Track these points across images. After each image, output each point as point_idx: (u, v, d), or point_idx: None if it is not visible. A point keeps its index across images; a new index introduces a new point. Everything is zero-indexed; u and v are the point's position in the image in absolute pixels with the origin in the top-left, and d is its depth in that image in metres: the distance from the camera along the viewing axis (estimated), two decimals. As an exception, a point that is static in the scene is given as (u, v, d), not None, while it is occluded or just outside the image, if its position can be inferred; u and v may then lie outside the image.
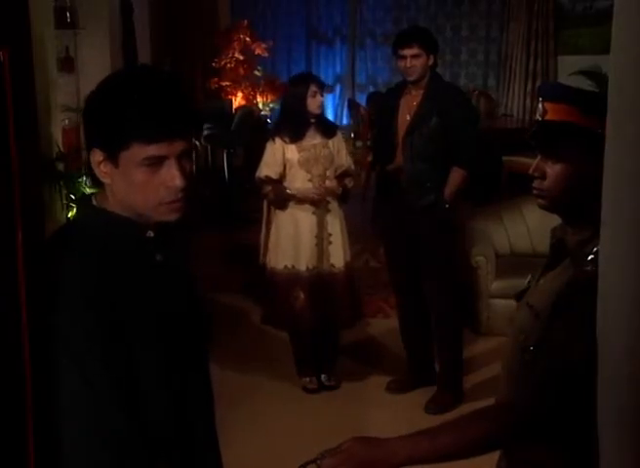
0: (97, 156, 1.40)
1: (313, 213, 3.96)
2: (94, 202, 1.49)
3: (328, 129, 4.02)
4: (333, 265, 4.00)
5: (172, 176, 1.37)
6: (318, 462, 1.41)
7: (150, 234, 1.47)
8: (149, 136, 1.34)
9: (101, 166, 1.40)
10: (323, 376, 4.21)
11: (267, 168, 3.94)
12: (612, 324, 1.22)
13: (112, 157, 1.38)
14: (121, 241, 1.45)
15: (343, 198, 4.08)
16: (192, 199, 1.45)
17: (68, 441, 1.35)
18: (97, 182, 1.46)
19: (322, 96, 3.92)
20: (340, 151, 4.02)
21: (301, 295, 3.96)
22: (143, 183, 1.38)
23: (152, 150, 1.35)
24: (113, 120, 1.36)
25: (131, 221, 1.45)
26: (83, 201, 1.64)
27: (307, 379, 4.19)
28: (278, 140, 3.93)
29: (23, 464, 1.21)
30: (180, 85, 1.42)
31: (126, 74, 1.48)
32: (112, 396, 1.37)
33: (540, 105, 1.57)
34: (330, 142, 3.98)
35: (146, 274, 1.47)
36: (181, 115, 1.38)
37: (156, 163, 1.37)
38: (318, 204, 3.95)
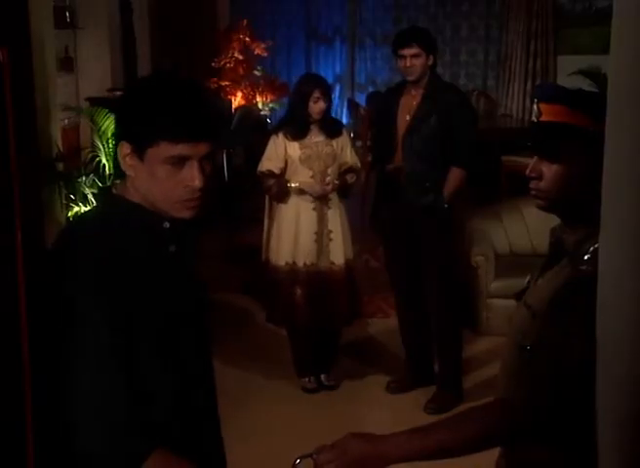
0: (124, 149, 1.49)
1: (314, 209, 3.96)
2: (114, 191, 1.57)
3: (332, 129, 4.00)
4: (333, 263, 4.00)
5: (192, 177, 1.46)
6: (314, 456, 1.43)
7: (166, 225, 1.54)
8: (177, 136, 1.43)
9: (127, 158, 1.49)
10: (322, 376, 4.21)
11: (269, 162, 3.96)
12: (611, 323, 1.22)
13: (139, 151, 1.46)
14: (138, 229, 1.52)
15: (343, 192, 4.08)
16: (208, 197, 1.51)
17: (70, 426, 1.40)
18: (119, 174, 1.54)
19: (326, 102, 3.88)
20: (344, 149, 4.02)
21: (299, 292, 3.97)
22: (165, 180, 1.47)
23: (178, 149, 1.44)
24: (146, 118, 1.45)
25: (149, 211, 1.52)
26: (103, 190, 1.74)
27: (307, 379, 4.19)
28: (281, 136, 3.94)
29: (22, 447, 1.22)
30: (206, 93, 1.56)
31: (159, 78, 1.59)
32: (117, 379, 1.42)
33: (535, 106, 1.57)
34: (334, 141, 3.98)
35: (159, 263, 1.54)
36: (208, 119, 1.48)
37: (180, 162, 1.45)
38: (319, 198, 3.94)
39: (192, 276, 1.65)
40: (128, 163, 1.49)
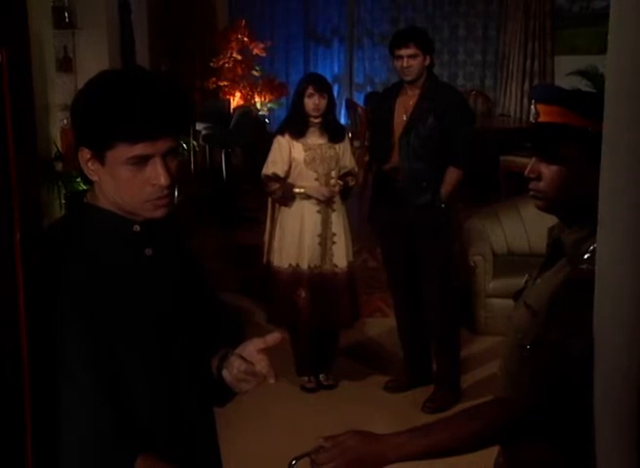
0: (84, 154, 1.44)
1: (318, 211, 3.96)
2: (85, 199, 1.52)
3: (336, 133, 4.00)
4: (335, 265, 4.00)
5: (156, 175, 1.41)
6: (312, 456, 1.41)
7: (137, 228, 1.49)
8: (132, 137, 1.37)
9: (89, 164, 1.44)
10: (321, 376, 4.21)
11: (274, 165, 3.94)
12: (609, 322, 1.22)
13: (98, 156, 1.41)
14: (110, 236, 1.48)
15: (344, 195, 4.09)
16: (185, 196, 1.47)
17: (59, 435, 1.36)
18: (87, 180, 1.49)
19: (324, 98, 3.86)
20: (345, 153, 4.03)
21: (303, 294, 3.97)
22: (129, 181, 1.42)
23: (137, 150, 1.38)
24: (97, 121, 1.39)
25: (118, 216, 1.47)
26: (73, 197, 1.67)
27: (306, 378, 4.19)
28: (287, 136, 3.94)
29: (21, 456, 1.22)
30: (165, 84, 1.44)
31: (110, 75, 1.48)
32: (99, 390, 1.39)
33: (533, 107, 1.58)
34: (336, 145, 3.98)
35: (136, 268, 1.50)
36: (164, 114, 1.40)
37: (141, 161, 1.40)
38: (325, 201, 3.96)
39: (180, 275, 1.58)
40: (90, 168, 1.44)
